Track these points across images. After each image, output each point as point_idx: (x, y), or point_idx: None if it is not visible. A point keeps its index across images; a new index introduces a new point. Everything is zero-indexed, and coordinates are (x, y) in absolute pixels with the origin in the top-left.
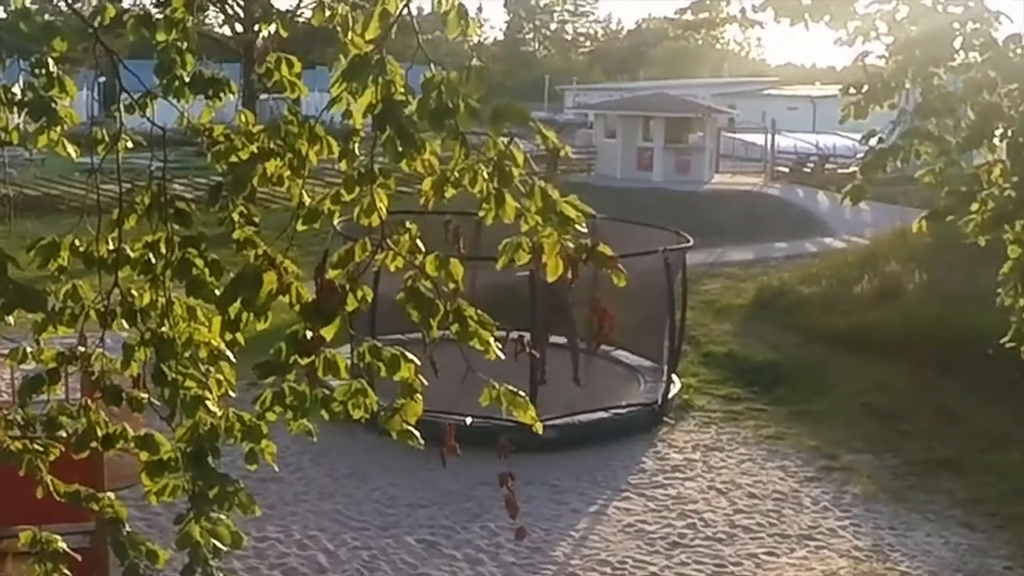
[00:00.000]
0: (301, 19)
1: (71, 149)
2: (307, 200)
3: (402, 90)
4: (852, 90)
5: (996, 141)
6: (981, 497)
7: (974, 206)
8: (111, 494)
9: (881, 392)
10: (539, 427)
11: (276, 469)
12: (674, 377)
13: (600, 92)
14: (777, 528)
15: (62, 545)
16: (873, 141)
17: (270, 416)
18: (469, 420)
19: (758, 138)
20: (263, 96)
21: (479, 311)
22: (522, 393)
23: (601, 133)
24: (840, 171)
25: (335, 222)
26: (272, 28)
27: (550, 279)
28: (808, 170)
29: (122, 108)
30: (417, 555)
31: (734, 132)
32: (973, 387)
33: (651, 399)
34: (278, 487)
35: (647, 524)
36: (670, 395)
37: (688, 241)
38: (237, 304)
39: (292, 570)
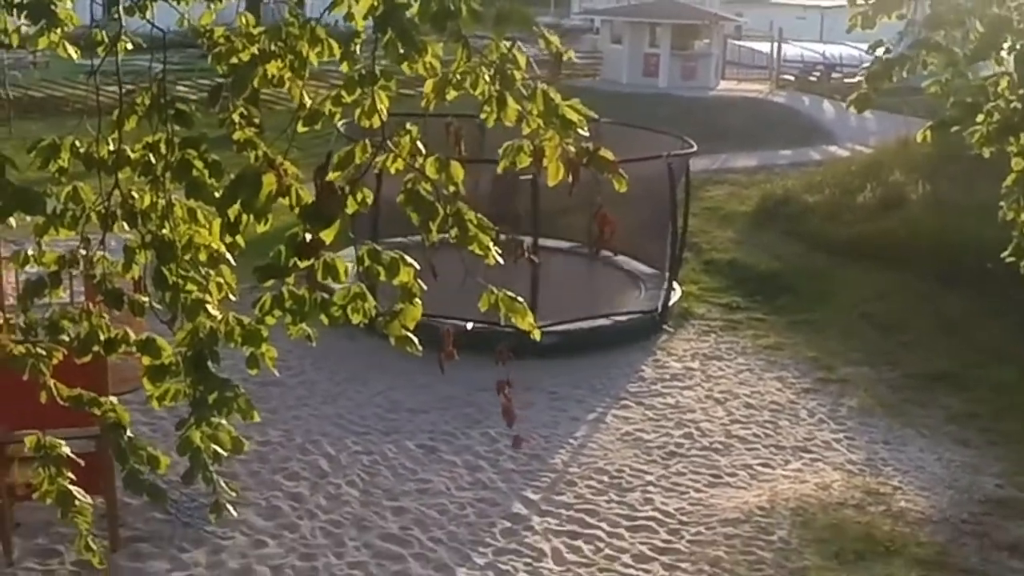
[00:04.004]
0: None
1: (72, 51)
2: (308, 101)
3: None
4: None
5: (1004, 54)
6: (976, 412)
7: (979, 117)
8: (113, 398)
9: (881, 303)
10: (537, 334)
11: (276, 374)
12: (675, 285)
13: None
14: (773, 439)
15: (65, 450)
16: (880, 51)
17: (269, 320)
18: (470, 325)
19: (764, 46)
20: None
21: (479, 215)
22: (520, 298)
23: (607, 39)
24: (846, 80)
25: (339, 124)
26: None
27: (551, 183)
28: (814, 79)
29: (122, 9)
30: (417, 460)
31: (741, 40)
32: (973, 300)
33: (651, 307)
34: (280, 391)
35: (645, 433)
36: (670, 303)
37: (692, 146)
38: (236, 206)
39: (294, 474)
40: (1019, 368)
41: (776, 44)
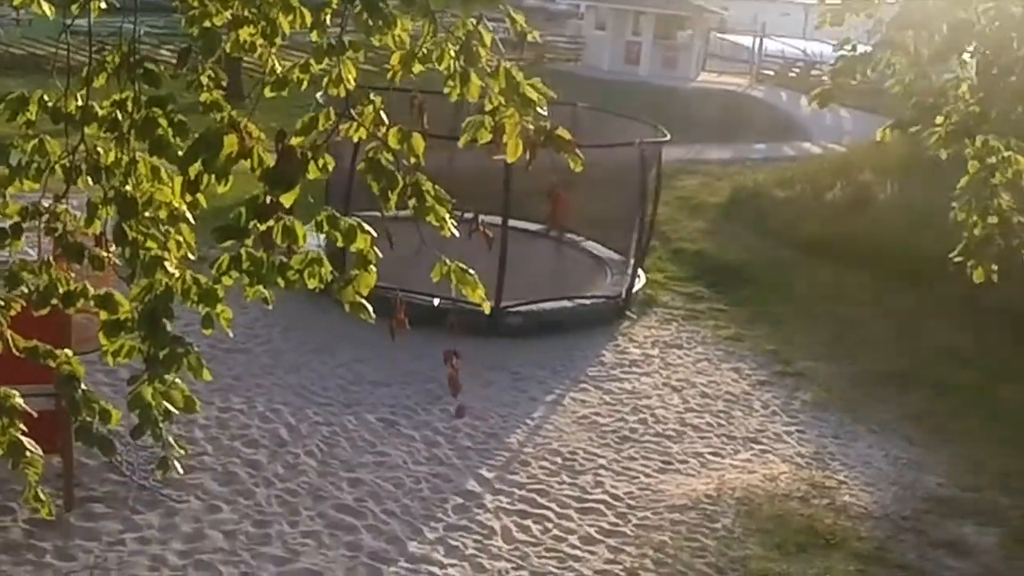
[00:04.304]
0: None
1: (46, 8)
2: (278, 68)
3: None
4: None
5: (967, 57)
6: (928, 412)
7: (939, 119)
8: (69, 351)
9: (843, 301)
10: (487, 307)
11: (231, 335)
12: (640, 272)
13: None
14: (725, 429)
15: (19, 400)
16: (847, 48)
17: (226, 280)
18: (437, 301)
19: (747, 40)
20: None
21: (437, 187)
22: (472, 271)
23: (591, 24)
24: (824, 77)
25: (317, 95)
26: None
27: (510, 159)
28: (794, 74)
29: None
30: (377, 433)
31: (724, 33)
32: (934, 301)
33: (616, 292)
34: (245, 358)
35: (601, 417)
36: (635, 290)
37: (665, 135)
38: (197, 164)
39: (253, 441)
40: (973, 370)
41: (758, 39)
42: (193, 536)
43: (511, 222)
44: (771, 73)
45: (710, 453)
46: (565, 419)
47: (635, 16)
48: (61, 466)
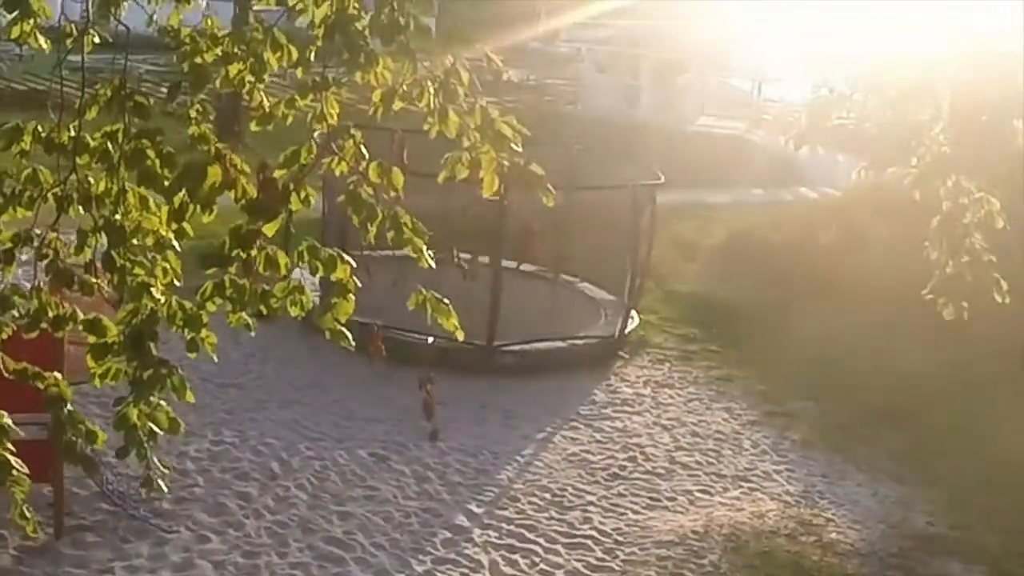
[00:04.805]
0: None
1: (43, 42)
2: (266, 104)
3: (356, 5)
4: None
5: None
6: (916, 451)
7: (913, 160)
8: (57, 374)
9: (834, 341)
10: (460, 335)
11: (215, 359)
12: (634, 313)
13: (595, 27)
14: (714, 467)
15: (7, 421)
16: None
17: (210, 306)
18: (431, 339)
19: (747, 84)
20: (256, 7)
21: (415, 219)
22: (446, 300)
23: (591, 67)
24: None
25: (314, 134)
26: None
27: (485, 194)
28: (792, 118)
29: (91, 5)
30: (368, 468)
31: (724, 76)
32: (929, 342)
33: (610, 332)
34: (238, 393)
35: (591, 454)
36: (628, 330)
37: (659, 178)
38: (182, 194)
39: (244, 474)
40: (960, 410)
41: (757, 83)
42: (182, 566)
43: (509, 264)
44: (770, 117)
45: (699, 491)
46: (556, 456)
47: (634, 59)
48: (52, 495)
